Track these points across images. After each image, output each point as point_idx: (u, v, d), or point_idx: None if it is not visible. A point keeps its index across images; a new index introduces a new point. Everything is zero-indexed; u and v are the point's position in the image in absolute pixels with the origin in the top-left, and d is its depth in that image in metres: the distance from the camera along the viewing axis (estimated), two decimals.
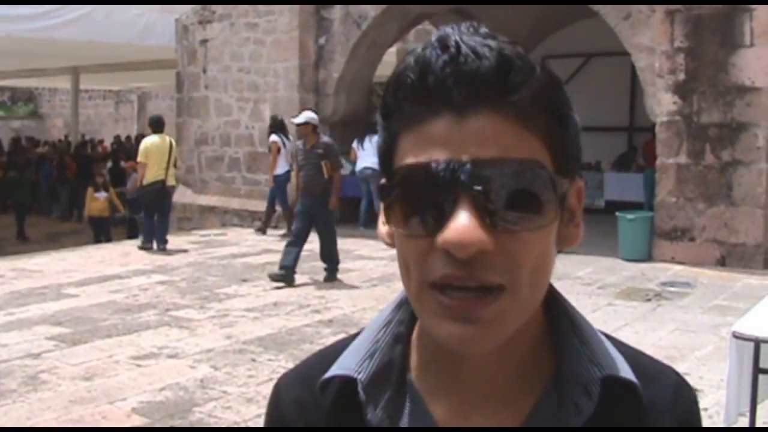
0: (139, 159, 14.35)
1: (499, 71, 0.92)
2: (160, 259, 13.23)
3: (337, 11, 16.27)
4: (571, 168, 1.00)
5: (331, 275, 11.39)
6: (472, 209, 0.90)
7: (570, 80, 19.22)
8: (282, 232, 15.51)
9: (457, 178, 0.90)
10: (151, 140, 14.23)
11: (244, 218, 17.18)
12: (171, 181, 14.48)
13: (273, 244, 14.49)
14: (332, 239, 11.36)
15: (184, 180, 18.51)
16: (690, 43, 12.28)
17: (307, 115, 11.26)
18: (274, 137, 15.17)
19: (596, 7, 13.55)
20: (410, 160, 0.95)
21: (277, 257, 11.60)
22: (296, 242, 11.10)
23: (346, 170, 16.74)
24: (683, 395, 1.12)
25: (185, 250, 14.17)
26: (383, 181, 1.00)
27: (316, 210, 11.13)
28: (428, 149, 0.93)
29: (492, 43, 0.94)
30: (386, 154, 1.00)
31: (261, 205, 16.33)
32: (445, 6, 16.22)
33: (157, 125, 14.47)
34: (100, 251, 14.55)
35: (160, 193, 14.12)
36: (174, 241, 14.86)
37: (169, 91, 27.50)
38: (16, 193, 22.13)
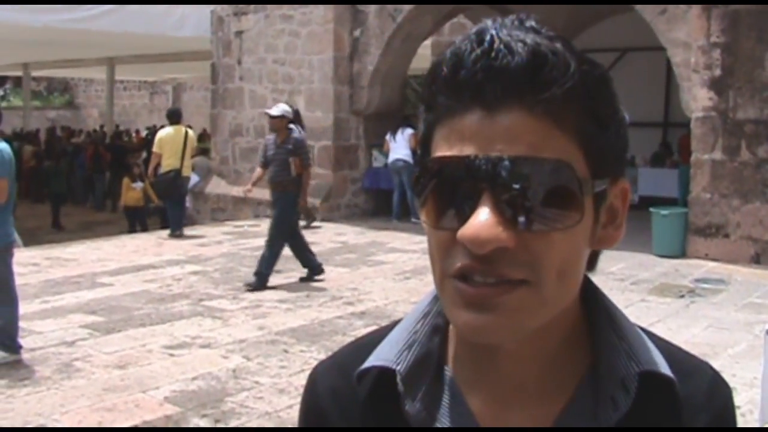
0: (153, 150, 14.88)
1: (530, 67, 0.91)
2: (193, 249, 13.29)
3: (372, 4, 16.25)
4: (611, 168, 0.99)
5: (259, 283, 10.36)
6: (494, 206, 0.89)
7: None
8: (302, 223, 15.44)
9: (482, 174, 0.90)
10: (165, 131, 14.83)
11: None
12: (186, 172, 14.83)
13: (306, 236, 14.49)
14: (276, 243, 10.48)
15: (218, 171, 18.62)
16: (726, 39, 12.16)
17: (283, 108, 10.76)
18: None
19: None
20: (441, 153, 0.95)
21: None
22: (294, 243, 10.80)
23: (379, 163, 16.81)
24: (719, 391, 1.11)
25: (219, 241, 14.23)
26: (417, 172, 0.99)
27: (275, 206, 10.64)
28: (458, 143, 0.93)
29: (530, 37, 0.93)
30: (424, 145, 1.00)
31: None
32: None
33: (172, 117, 15.12)
34: (135, 241, 14.64)
35: (173, 182, 14.49)
36: (207, 231, 14.96)
37: (204, 82, 27.62)
38: (52, 182, 22.28)
